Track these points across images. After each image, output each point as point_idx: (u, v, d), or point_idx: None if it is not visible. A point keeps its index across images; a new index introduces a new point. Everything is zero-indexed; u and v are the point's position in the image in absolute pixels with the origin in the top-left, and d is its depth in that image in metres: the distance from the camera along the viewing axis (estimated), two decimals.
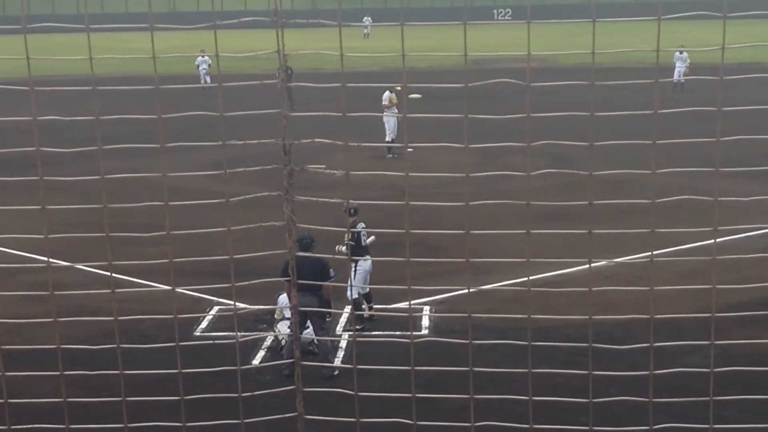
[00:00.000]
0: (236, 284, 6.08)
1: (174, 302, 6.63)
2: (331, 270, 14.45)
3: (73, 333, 15.11)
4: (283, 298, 15.47)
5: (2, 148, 7.15)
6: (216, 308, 17.33)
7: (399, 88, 29.82)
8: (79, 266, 15.38)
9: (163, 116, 5.69)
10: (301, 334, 14.09)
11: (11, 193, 12.30)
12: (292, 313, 14.83)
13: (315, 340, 14.85)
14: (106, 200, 6.01)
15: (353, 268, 15.89)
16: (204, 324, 16.76)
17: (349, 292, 16.48)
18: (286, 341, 15.04)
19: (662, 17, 5.28)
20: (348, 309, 16.70)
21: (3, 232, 9.22)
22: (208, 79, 48.45)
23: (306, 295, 13.65)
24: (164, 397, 6.72)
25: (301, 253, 13.03)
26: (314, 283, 13.73)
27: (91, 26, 5.59)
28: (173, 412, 7.14)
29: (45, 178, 5.93)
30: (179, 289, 6.49)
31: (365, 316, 16.72)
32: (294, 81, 6.30)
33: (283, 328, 15.46)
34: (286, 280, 13.86)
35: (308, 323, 14.48)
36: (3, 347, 6.21)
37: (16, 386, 6.64)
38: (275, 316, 16.16)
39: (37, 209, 6.28)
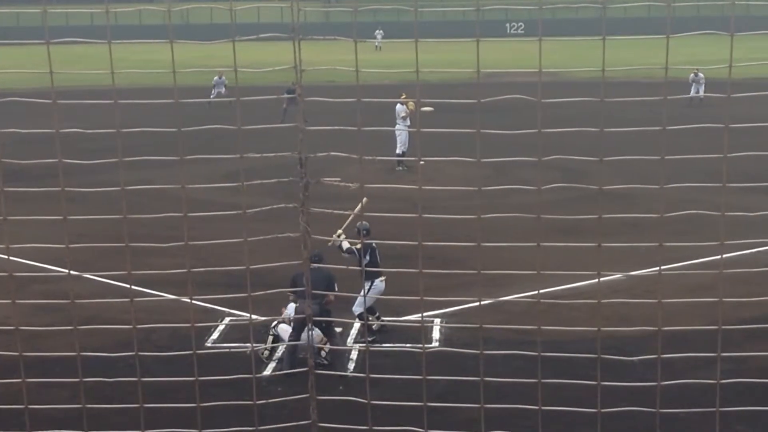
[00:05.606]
0: (252, 294, 6.15)
1: (187, 312, 6.69)
2: (336, 285, 14.66)
3: (86, 343, 15.11)
4: (291, 308, 15.68)
5: (10, 158, 7.18)
6: (227, 319, 17.38)
7: (403, 96, 30.24)
8: (95, 276, 15.42)
9: (183, 129, 5.77)
10: (299, 340, 14.31)
11: (21, 204, 12.30)
12: (293, 325, 15.06)
13: (321, 352, 15.04)
14: (125, 211, 6.09)
15: (368, 288, 15.94)
16: (215, 335, 16.81)
17: (354, 307, 16.50)
18: (282, 348, 15.29)
19: (671, 35, 5.35)
20: (357, 321, 16.77)
21: (12, 242, 9.27)
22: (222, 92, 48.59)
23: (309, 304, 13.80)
24: (180, 404, 6.78)
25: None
26: (320, 293, 13.87)
27: (112, 40, 5.69)
28: (185, 420, 7.20)
29: (66, 189, 6.01)
30: (191, 300, 6.56)
31: (374, 327, 16.75)
32: (305, 94, 6.36)
33: (284, 333, 15.63)
34: (292, 293, 14.18)
35: (307, 330, 14.65)
36: (24, 354, 6.28)
37: (27, 394, 6.68)
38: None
39: (49, 219, 6.35)
